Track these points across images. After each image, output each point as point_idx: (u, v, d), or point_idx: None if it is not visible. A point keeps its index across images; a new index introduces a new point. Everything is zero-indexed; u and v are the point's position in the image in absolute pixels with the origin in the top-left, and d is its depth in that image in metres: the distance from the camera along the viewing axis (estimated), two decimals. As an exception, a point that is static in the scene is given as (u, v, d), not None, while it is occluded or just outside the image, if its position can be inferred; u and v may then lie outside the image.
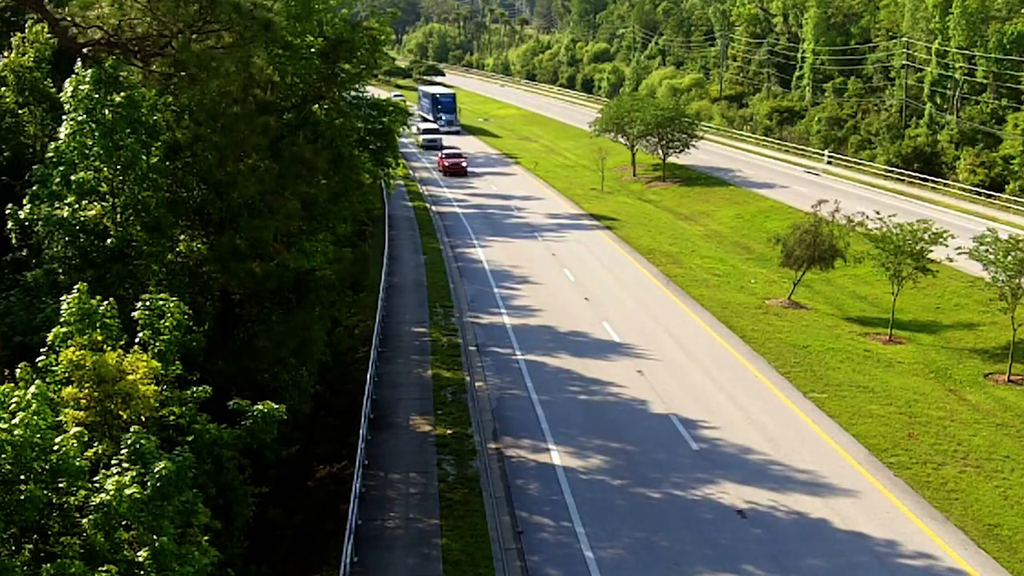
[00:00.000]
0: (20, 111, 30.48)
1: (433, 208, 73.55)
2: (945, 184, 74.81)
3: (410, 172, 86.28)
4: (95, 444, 17.48)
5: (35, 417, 14.84)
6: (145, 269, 25.01)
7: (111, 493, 15.15)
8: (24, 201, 24.96)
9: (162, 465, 15.95)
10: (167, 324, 20.29)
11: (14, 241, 25.63)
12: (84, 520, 15.23)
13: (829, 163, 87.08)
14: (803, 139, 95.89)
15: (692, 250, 58.71)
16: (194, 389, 20.23)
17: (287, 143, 29.01)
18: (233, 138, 26.76)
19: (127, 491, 15.19)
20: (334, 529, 24.96)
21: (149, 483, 15.68)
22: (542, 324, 43.01)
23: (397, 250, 57.64)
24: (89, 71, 24.44)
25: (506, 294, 47.98)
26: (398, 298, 47.28)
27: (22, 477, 14.65)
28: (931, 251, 41.17)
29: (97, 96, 24.19)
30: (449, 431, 31.16)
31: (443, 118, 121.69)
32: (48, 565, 14.32)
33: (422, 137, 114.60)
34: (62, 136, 24.65)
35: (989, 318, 41.56)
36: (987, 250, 37.87)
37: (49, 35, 29.41)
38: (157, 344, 20.03)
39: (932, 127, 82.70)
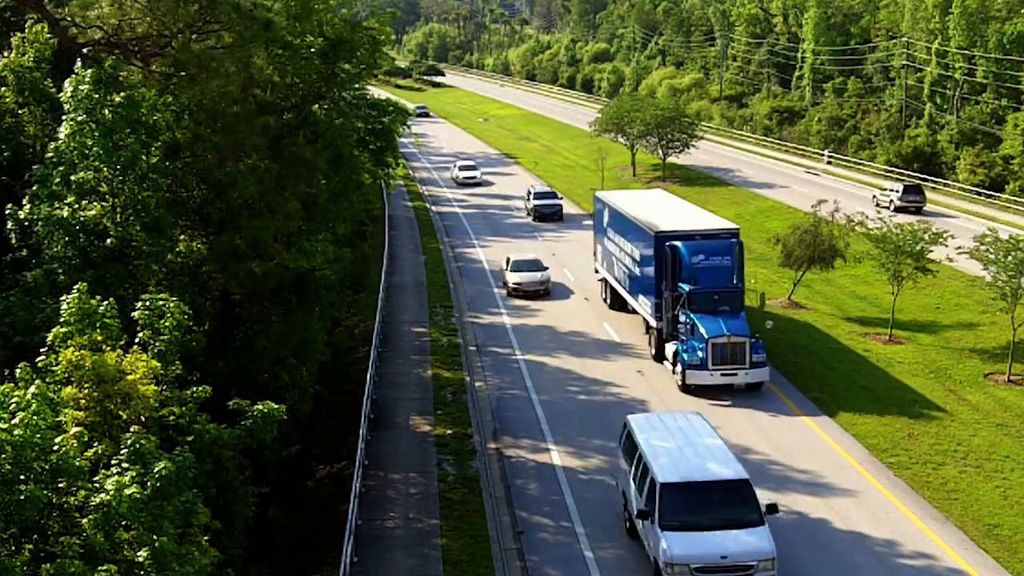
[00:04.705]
0: (20, 111, 30.47)
1: (433, 208, 73.54)
2: (945, 184, 74.79)
3: (410, 172, 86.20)
4: (95, 444, 17.49)
5: (35, 417, 14.84)
6: (145, 269, 25.02)
7: (111, 493, 15.15)
8: (24, 201, 24.97)
9: (162, 465, 15.96)
10: (167, 324, 20.29)
11: (14, 241, 25.62)
12: (84, 520, 15.24)
13: (829, 163, 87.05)
14: (803, 139, 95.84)
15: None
16: (194, 389, 20.25)
17: (287, 143, 29.02)
18: (233, 138, 26.77)
19: (127, 491, 15.19)
20: (334, 529, 24.94)
21: (149, 483, 15.68)
22: (542, 324, 42.99)
23: (397, 250, 57.64)
24: (89, 71, 24.44)
25: (506, 294, 47.94)
26: (398, 298, 47.28)
27: (22, 477, 14.65)
28: (931, 251, 41.15)
29: (97, 96, 24.20)
30: (449, 431, 31.17)
31: (710, 328, 33.57)
32: (48, 565, 14.32)
33: (460, 173, 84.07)
34: (62, 136, 24.65)
35: (989, 318, 41.52)
36: (987, 250, 37.84)
37: (49, 35, 29.42)
38: (157, 344, 20.03)
39: (932, 127, 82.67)
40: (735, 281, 35.46)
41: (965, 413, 32.88)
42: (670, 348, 35.28)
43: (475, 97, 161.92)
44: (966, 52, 78.85)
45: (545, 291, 47.59)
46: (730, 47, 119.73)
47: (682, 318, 34.79)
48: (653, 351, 37.28)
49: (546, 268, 48.76)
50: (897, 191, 66.01)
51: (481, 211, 71.62)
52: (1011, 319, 36.55)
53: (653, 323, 37.06)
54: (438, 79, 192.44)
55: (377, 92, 38.59)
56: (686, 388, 33.54)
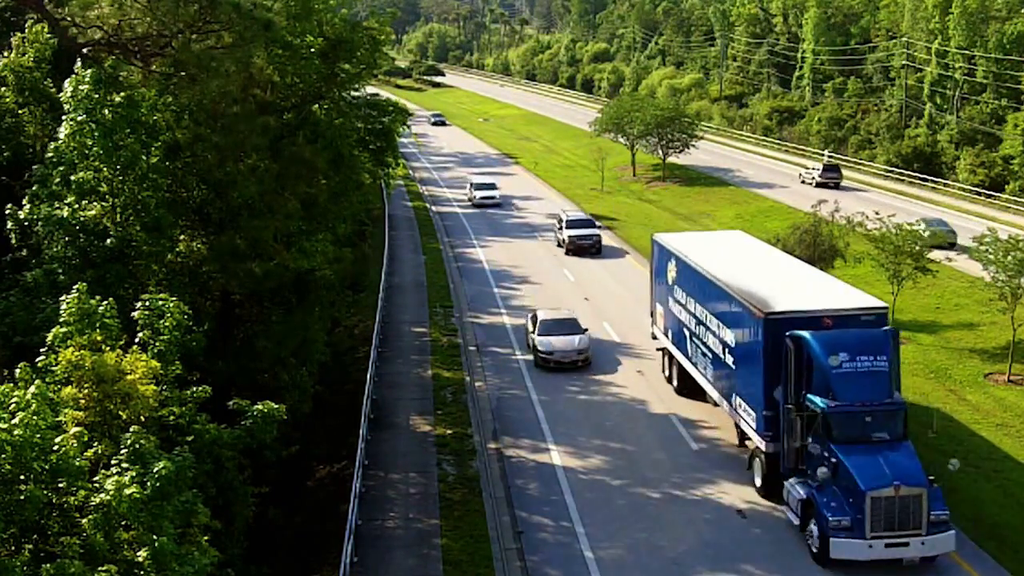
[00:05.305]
0: (20, 111, 30.44)
1: (433, 208, 73.55)
2: (945, 184, 74.81)
3: (410, 172, 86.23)
4: (95, 444, 17.47)
5: (35, 417, 14.84)
6: (145, 269, 25.02)
7: (111, 493, 15.14)
8: (24, 201, 24.95)
9: (162, 465, 15.94)
10: (167, 324, 20.28)
11: (14, 241, 25.61)
12: (84, 520, 15.23)
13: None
14: (803, 139, 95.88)
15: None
16: (194, 389, 20.23)
17: (287, 143, 29.03)
18: (233, 138, 26.77)
19: (127, 491, 15.18)
20: (334, 529, 24.95)
21: (149, 483, 15.66)
22: (542, 324, 42.89)
23: (397, 250, 57.65)
24: (89, 71, 24.43)
25: (506, 294, 47.95)
26: (398, 298, 47.29)
27: (22, 477, 14.64)
28: (930, 251, 41.15)
29: (97, 96, 24.18)
30: (449, 431, 31.18)
31: (868, 472, 22.46)
32: (48, 565, 14.31)
33: (477, 194, 72.44)
34: (62, 136, 24.64)
35: (989, 318, 41.52)
36: (987, 250, 37.84)
37: (49, 35, 29.40)
38: (157, 344, 20.02)
39: (932, 127, 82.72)
40: (895, 394, 23.84)
41: (965, 413, 32.87)
42: (795, 491, 23.96)
43: (475, 97, 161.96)
44: (966, 52, 78.89)
45: (584, 361, 36.46)
46: (730, 47, 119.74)
47: (815, 449, 23.41)
48: (759, 482, 26.11)
49: (585, 330, 37.48)
50: (818, 169, 76.18)
51: (481, 211, 71.61)
52: (1011, 319, 36.55)
53: (760, 445, 25.80)
54: (438, 79, 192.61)
55: (377, 92, 38.57)
56: (826, 561, 22.53)
